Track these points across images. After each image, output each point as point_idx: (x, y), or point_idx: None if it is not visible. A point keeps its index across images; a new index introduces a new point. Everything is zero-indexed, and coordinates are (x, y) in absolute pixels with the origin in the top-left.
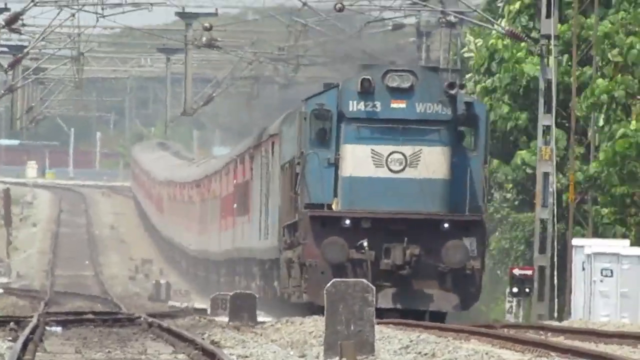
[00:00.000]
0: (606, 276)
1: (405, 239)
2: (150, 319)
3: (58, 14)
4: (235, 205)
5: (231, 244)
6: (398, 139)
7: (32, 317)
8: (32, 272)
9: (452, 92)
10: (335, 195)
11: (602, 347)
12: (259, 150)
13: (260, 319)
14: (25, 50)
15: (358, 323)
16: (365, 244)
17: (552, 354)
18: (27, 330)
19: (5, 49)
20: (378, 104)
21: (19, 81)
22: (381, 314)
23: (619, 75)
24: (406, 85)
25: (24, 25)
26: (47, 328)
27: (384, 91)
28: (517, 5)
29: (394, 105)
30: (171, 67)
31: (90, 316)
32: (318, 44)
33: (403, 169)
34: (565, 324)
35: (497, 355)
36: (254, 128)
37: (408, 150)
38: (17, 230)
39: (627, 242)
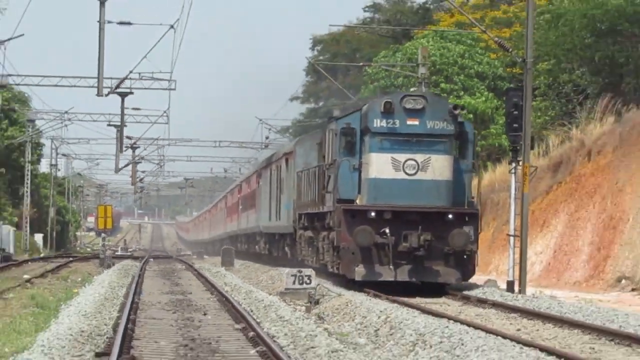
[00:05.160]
0: None
1: (420, 227)
2: (180, 255)
3: None
4: (240, 207)
5: (237, 227)
6: (412, 149)
7: (143, 256)
8: (145, 247)
9: (456, 112)
10: (359, 192)
11: None
12: (268, 169)
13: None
14: None
15: (229, 256)
16: (387, 231)
17: None
18: (143, 261)
19: None
20: (397, 121)
21: None
22: (397, 285)
23: None
24: (419, 106)
25: None
26: (151, 260)
27: (402, 111)
28: None
29: (409, 122)
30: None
31: (160, 255)
32: None
33: (416, 172)
34: None
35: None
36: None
37: (420, 157)
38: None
39: None
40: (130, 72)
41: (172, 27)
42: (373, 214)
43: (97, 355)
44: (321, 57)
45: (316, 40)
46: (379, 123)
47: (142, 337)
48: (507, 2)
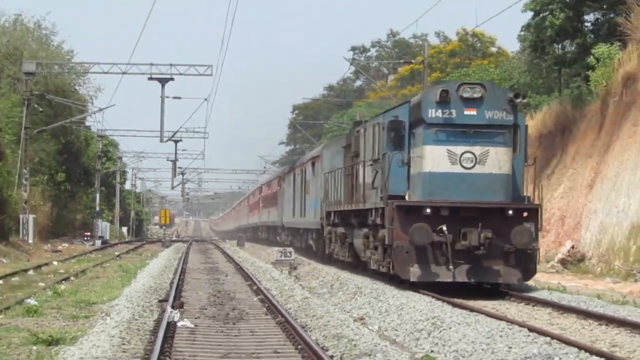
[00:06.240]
0: None
1: (480, 224)
2: (212, 240)
3: None
4: (261, 205)
5: (258, 220)
6: (469, 141)
7: (189, 240)
8: (188, 234)
9: (517, 100)
10: (408, 188)
11: None
12: (291, 173)
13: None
14: None
15: (241, 240)
16: (445, 228)
17: None
18: (189, 243)
19: None
20: (453, 111)
21: None
22: (452, 286)
23: None
24: (477, 95)
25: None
26: (194, 242)
27: (458, 101)
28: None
29: (466, 112)
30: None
31: (199, 240)
32: None
33: (474, 166)
34: None
35: None
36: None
37: (478, 150)
38: (187, 229)
39: None
40: (180, 127)
41: (205, 99)
42: (429, 210)
43: (160, 301)
44: (299, 117)
45: (295, 107)
46: (434, 113)
47: (187, 290)
48: (410, 85)
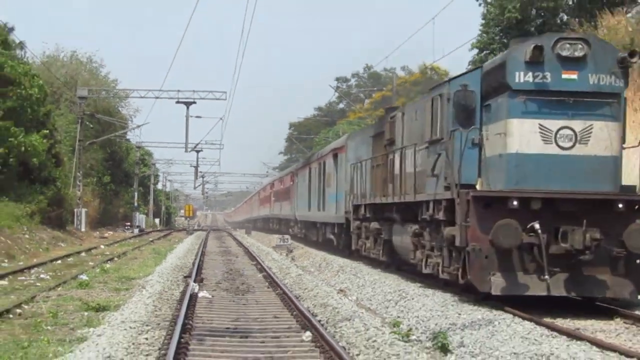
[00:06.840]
0: None
1: (584, 221)
2: (225, 229)
3: None
4: (273, 199)
5: (269, 212)
6: (568, 113)
7: (207, 229)
8: (207, 224)
9: (633, 60)
10: (479, 175)
11: None
12: (306, 168)
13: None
14: None
15: (249, 229)
16: (537, 226)
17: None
18: (207, 232)
19: None
20: (548, 74)
21: None
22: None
23: None
24: (579, 54)
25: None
26: (211, 231)
27: (555, 61)
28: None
29: (565, 75)
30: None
31: (215, 229)
32: None
33: (573, 146)
34: None
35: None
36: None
37: (579, 125)
38: (206, 220)
39: None
40: (201, 140)
41: (221, 119)
42: (516, 202)
43: (185, 277)
44: (294, 133)
45: (291, 124)
46: (522, 77)
47: (206, 268)
48: (382, 107)
